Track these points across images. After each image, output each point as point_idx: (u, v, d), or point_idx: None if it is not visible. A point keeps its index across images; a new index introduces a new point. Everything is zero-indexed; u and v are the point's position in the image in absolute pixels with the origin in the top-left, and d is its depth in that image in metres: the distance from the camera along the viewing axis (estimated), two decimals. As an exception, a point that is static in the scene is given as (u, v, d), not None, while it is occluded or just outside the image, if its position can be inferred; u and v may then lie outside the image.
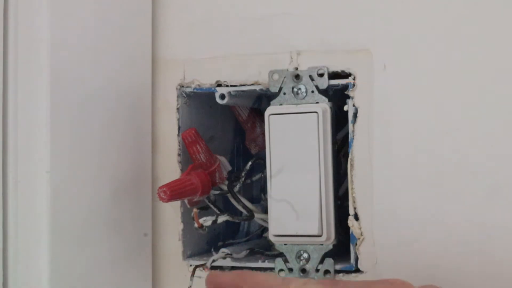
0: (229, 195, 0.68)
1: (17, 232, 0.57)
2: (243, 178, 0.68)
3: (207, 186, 0.65)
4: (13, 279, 0.56)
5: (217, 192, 0.67)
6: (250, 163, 0.69)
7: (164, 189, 0.62)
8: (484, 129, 0.58)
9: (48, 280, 0.56)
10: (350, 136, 0.62)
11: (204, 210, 0.67)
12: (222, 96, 0.66)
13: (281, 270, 0.64)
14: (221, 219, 0.65)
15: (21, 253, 0.56)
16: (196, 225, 0.63)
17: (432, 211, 0.59)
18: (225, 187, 0.68)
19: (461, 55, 0.59)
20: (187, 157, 0.67)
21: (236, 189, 0.68)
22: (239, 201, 0.67)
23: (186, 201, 0.66)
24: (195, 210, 0.64)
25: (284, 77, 0.64)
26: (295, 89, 0.64)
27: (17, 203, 0.57)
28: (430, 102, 0.60)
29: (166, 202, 0.62)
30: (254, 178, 0.72)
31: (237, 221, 0.70)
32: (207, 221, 0.64)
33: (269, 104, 0.65)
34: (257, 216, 0.68)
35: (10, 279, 0.56)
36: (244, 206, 0.67)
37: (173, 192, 0.62)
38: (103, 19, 0.62)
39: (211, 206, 0.67)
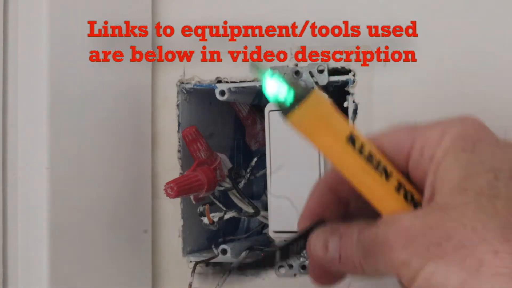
0: (230, 193, 0.68)
1: (16, 228, 0.56)
2: (248, 175, 0.68)
3: (213, 182, 0.65)
4: (13, 277, 0.56)
5: (222, 188, 0.67)
6: (255, 159, 0.69)
7: (171, 185, 0.62)
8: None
9: (48, 275, 0.56)
10: (350, 132, 0.62)
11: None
12: (222, 93, 0.66)
13: (281, 266, 0.64)
14: (229, 215, 0.65)
15: (20, 249, 0.56)
16: (207, 221, 0.63)
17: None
18: (226, 184, 0.67)
19: (462, 53, 0.59)
20: (187, 154, 0.67)
21: (241, 185, 0.68)
22: (244, 197, 0.67)
23: (192, 197, 0.66)
24: (207, 206, 0.64)
25: (284, 74, 0.64)
26: (295, 86, 0.63)
27: (16, 200, 0.57)
28: (430, 99, 0.60)
29: (173, 198, 0.62)
30: (258, 174, 0.72)
31: (244, 217, 0.70)
32: (215, 217, 0.64)
33: (269, 101, 0.65)
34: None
35: (10, 277, 0.57)
36: (249, 203, 0.67)
37: (180, 188, 0.62)
38: (103, 17, 0.62)
39: (217, 202, 0.66)
